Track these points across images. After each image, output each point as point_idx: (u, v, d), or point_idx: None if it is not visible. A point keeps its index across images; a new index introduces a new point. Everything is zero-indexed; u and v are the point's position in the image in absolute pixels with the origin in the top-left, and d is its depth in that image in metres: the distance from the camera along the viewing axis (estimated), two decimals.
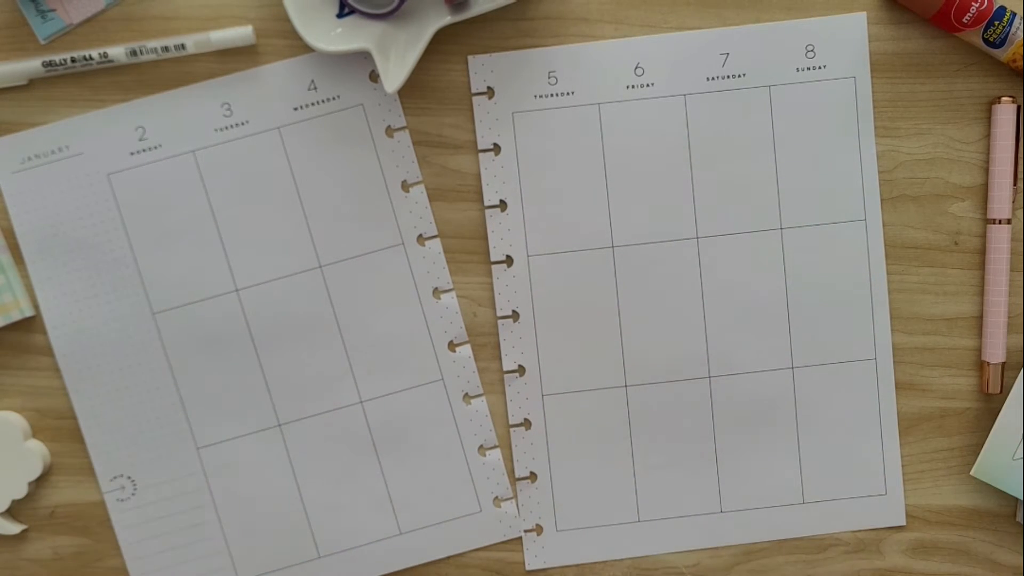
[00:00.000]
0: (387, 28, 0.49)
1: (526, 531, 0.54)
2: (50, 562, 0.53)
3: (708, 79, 0.52)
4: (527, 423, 0.53)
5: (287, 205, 0.52)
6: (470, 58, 0.51)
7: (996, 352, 0.52)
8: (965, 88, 0.52)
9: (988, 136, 0.52)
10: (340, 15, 0.49)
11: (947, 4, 0.50)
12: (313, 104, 0.51)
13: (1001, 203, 0.52)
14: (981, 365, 0.53)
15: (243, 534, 0.53)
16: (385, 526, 0.53)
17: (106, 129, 0.51)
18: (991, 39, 0.50)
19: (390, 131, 0.52)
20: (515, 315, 0.53)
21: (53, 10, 0.50)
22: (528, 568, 0.54)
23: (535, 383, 0.53)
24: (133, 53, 0.50)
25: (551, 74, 0.51)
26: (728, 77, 0.52)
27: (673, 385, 0.53)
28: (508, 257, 0.52)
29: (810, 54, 0.52)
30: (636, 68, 0.51)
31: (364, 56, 0.51)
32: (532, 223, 0.52)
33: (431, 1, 0.49)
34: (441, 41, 0.51)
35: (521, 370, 0.53)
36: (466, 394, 0.53)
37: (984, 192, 0.53)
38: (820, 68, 0.52)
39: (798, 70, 0.52)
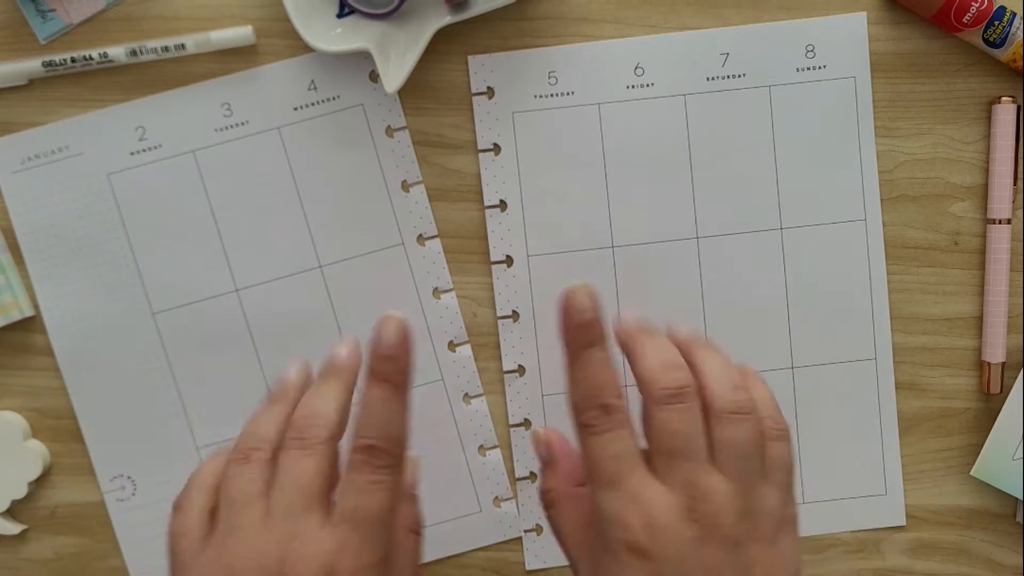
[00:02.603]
0: (387, 28, 0.49)
1: (526, 531, 0.54)
2: (50, 562, 0.53)
3: (708, 79, 0.52)
4: (527, 423, 0.53)
5: (287, 205, 0.52)
6: (470, 58, 0.51)
7: (996, 352, 0.52)
8: (965, 88, 0.52)
9: (988, 136, 0.52)
10: (340, 15, 0.49)
11: (947, 4, 0.49)
12: (313, 104, 0.51)
13: (1001, 203, 0.52)
14: (981, 365, 0.53)
15: None
16: None
17: (106, 129, 0.51)
18: (991, 39, 0.50)
19: (390, 131, 0.52)
20: (515, 315, 0.53)
21: (53, 10, 0.50)
22: (528, 568, 0.54)
23: (535, 383, 0.53)
24: (133, 53, 0.50)
25: (551, 74, 0.51)
26: (728, 77, 0.52)
27: None
28: (508, 257, 0.52)
29: (810, 54, 0.52)
30: (636, 68, 0.51)
31: (364, 56, 0.51)
32: (532, 223, 0.52)
33: (431, 1, 0.49)
34: (441, 41, 0.51)
35: (521, 370, 0.53)
36: (466, 394, 0.53)
37: (984, 192, 0.53)
38: (820, 68, 0.52)
39: (798, 70, 0.52)
